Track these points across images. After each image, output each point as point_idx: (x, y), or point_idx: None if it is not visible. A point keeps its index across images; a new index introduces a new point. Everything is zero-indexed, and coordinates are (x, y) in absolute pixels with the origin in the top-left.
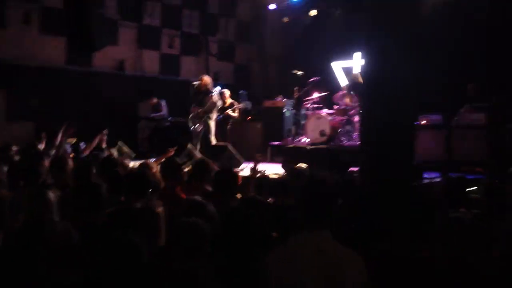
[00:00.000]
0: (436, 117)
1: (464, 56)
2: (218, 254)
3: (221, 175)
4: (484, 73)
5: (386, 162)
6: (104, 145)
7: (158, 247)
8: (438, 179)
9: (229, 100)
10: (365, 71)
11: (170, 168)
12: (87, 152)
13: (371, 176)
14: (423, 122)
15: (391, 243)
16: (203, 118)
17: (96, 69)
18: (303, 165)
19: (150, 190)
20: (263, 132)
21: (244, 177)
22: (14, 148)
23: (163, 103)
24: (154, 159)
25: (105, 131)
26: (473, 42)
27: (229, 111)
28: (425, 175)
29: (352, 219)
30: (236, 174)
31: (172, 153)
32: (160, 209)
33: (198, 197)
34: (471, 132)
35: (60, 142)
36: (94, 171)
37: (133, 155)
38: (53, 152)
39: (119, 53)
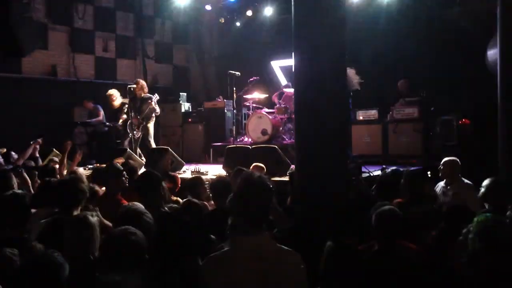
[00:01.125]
0: (372, 112)
1: (396, 52)
2: (152, 262)
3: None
4: (416, 69)
5: (320, 159)
6: (36, 154)
7: (91, 257)
8: (376, 173)
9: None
10: (295, 70)
11: (111, 174)
12: (20, 162)
13: (307, 173)
14: (360, 117)
15: (332, 240)
16: (142, 124)
17: (26, 75)
18: (260, 165)
19: (84, 199)
20: (204, 133)
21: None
22: None
23: (100, 107)
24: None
25: (39, 140)
26: (404, 39)
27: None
28: (364, 169)
29: (291, 218)
30: (175, 177)
31: (70, 146)
32: (95, 218)
33: (134, 204)
34: (405, 125)
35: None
36: (16, 182)
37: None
38: None
39: (51, 57)
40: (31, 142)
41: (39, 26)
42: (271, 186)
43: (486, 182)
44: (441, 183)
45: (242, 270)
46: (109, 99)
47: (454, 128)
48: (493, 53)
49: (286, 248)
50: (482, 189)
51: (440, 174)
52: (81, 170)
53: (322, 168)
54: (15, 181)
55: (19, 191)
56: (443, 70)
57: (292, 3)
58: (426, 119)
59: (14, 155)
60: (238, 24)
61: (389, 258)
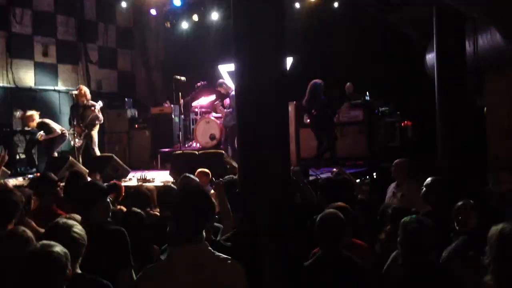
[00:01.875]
0: None
1: (342, 57)
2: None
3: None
4: (360, 73)
5: (262, 163)
6: None
7: None
8: (323, 175)
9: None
10: (235, 75)
11: (45, 185)
12: None
13: (247, 176)
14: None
15: (278, 246)
16: (85, 131)
17: None
18: (205, 170)
19: (18, 211)
20: (152, 139)
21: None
22: None
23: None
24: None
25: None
26: (349, 44)
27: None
28: (311, 172)
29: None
30: (118, 185)
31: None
32: (29, 233)
33: (68, 216)
34: (351, 128)
35: None
36: None
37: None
38: None
39: None
40: None
41: None
42: (208, 194)
43: (427, 181)
44: (393, 185)
45: (179, 281)
46: (28, 120)
47: (396, 130)
48: (431, 57)
49: (226, 257)
50: (424, 189)
51: (392, 175)
52: (10, 181)
53: (264, 173)
54: None
55: None
56: (386, 74)
57: (232, 15)
58: (371, 121)
59: None
60: (184, 27)
61: (332, 264)
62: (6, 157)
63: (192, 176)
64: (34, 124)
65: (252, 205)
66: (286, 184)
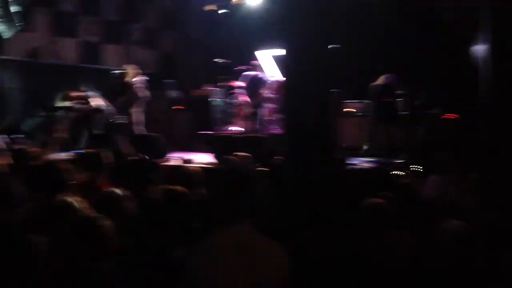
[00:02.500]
0: (359, 105)
1: (382, 46)
2: (133, 249)
3: (136, 165)
4: (403, 61)
5: (308, 150)
6: None
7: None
8: (364, 165)
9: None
10: (285, 61)
11: (92, 160)
12: None
13: (294, 164)
14: (348, 109)
15: (317, 233)
16: (129, 110)
17: (8, 57)
18: (245, 154)
19: (67, 184)
20: (191, 121)
21: (173, 167)
22: None
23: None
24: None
25: None
26: (389, 33)
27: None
28: (352, 161)
29: (276, 210)
30: (158, 164)
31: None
32: (78, 204)
33: (114, 190)
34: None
35: None
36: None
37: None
38: None
39: (33, 40)
40: None
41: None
42: (255, 174)
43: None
44: (433, 177)
45: (225, 261)
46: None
47: (438, 122)
48: (479, 48)
49: (269, 239)
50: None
51: (431, 168)
52: (62, 155)
53: (308, 160)
54: None
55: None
56: (427, 65)
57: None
58: (411, 113)
59: None
60: (227, 10)
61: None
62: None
63: (233, 158)
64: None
65: (293, 191)
66: (330, 171)
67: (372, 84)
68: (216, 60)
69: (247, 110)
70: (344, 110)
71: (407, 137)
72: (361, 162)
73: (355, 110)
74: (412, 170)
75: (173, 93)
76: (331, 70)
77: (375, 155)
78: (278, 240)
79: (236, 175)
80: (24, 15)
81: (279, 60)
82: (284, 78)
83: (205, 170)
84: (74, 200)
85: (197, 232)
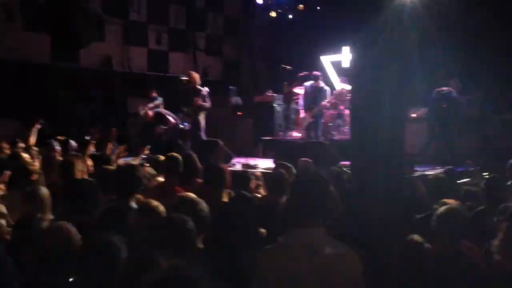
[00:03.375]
0: (423, 110)
1: (449, 50)
2: (209, 252)
3: (210, 171)
4: (474, 65)
5: (376, 156)
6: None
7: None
8: (429, 172)
9: None
10: (354, 65)
11: (170, 164)
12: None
13: (362, 170)
14: (413, 115)
15: (385, 237)
16: (193, 116)
17: (83, 66)
18: (308, 160)
19: (142, 187)
20: (254, 127)
21: (236, 172)
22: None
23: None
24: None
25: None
26: (459, 38)
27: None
28: (416, 168)
29: (345, 214)
30: (224, 169)
31: (147, 151)
32: (161, 207)
33: (190, 194)
34: (462, 125)
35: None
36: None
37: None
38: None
39: (106, 49)
40: (32, 127)
41: (96, 19)
42: (327, 181)
43: None
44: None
45: (296, 264)
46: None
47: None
48: None
49: (342, 244)
50: None
51: (506, 176)
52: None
53: (377, 166)
54: (79, 168)
55: (88, 178)
56: (500, 69)
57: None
58: (482, 118)
59: (72, 143)
60: (290, 17)
61: (452, 260)
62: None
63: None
64: (150, 115)
65: (365, 198)
66: (399, 177)
67: (436, 90)
68: (283, 66)
69: (308, 117)
70: (411, 116)
71: (477, 143)
72: (427, 169)
73: (416, 116)
74: (484, 177)
75: (236, 99)
76: (404, 75)
77: (440, 162)
78: (351, 245)
79: (312, 179)
80: (98, 26)
81: (341, 66)
82: (350, 84)
83: (271, 175)
84: (153, 203)
85: (266, 235)
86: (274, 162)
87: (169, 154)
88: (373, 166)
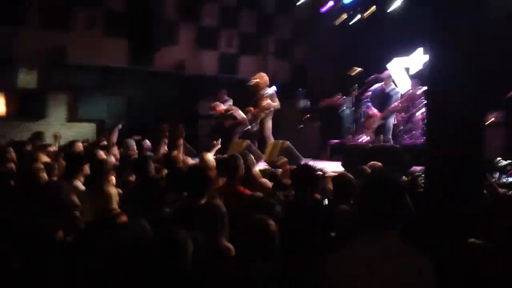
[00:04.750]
0: (495, 114)
1: None
2: (279, 255)
3: (302, 172)
4: None
5: (456, 162)
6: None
7: (222, 245)
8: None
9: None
10: (431, 67)
11: (232, 165)
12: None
13: (440, 176)
14: (493, 119)
15: (462, 244)
16: (260, 117)
17: (158, 69)
18: (378, 164)
19: (212, 186)
20: (321, 130)
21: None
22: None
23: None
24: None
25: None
26: None
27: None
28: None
29: (420, 220)
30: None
31: (218, 146)
32: (223, 207)
33: (261, 195)
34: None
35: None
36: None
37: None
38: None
39: (179, 53)
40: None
41: (170, 24)
42: (400, 184)
43: None
44: None
45: (368, 270)
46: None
47: None
48: None
49: (416, 251)
50: None
51: None
52: (210, 157)
53: (455, 171)
54: (152, 166)
55: (158, 176)
56: None
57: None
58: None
59: (147, 142)
60: (359, 20)
61: None
62: (218, 145)
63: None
64: (220, 109)
65: (438, 205)
66: (478, 184)
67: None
68: (354, 68)
69: (376, 121)
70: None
71: None
72: (505, 177)
73: (494, 119)
74: None
75: (304, 103)
76: (482, 79)
77: None
78: (425, 252)
79: (388, 183)
80: (171, 30)
81: (414, 68)
82: (423, 86)
83: (339, 179)
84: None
85: (338, 239)
86: (343, 165)
87: (231, 154)
88: (450, 171)
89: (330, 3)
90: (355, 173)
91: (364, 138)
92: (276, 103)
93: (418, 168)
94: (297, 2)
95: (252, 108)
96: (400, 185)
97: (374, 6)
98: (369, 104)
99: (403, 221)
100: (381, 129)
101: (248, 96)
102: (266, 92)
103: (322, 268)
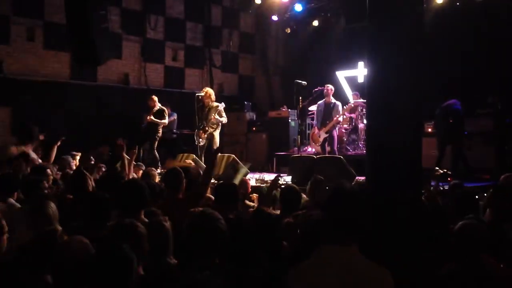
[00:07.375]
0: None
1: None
2: (229, 268)
3: (222, 188)
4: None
5: (393, 171)
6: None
7: (165, 259)
8: (444, 187)
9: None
10: (369, 80)
11: (173, 177)
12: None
13: (378, 185)
14: (429, 129)
15: (409, 255)
16: (208, 131)
17: (101, 83)
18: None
19: (148, 201)
20: (268, 142)
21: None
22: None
23: (172, 114)
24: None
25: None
26: (472, 47)
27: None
28: (432, 183)
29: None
30: (235, 186)
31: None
32: (168, 222)
33: (208, 209)
34: (476, 138)
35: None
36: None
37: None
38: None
39: (123, 66)
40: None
41: (114, 36)
42: (363, 198)
43: None
44: None
45: (327, 281)
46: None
47: None
48: None
49: (376, 264)
50: None
51: None
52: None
53: (394, 180)
54: (90, 182)
55: (100, 193)
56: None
57: (367, 7)
58: (501, 132)
59: (90, 157)
60: (304, 33)
61: (472, 276)
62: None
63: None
64: (154, 104)
65: (379, 212)
66: (416, 192)
67: (442, 105)
68: (297, 81)
69: (321, 135)
70: (428, 130)
71: (496, 157)
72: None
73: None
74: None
75: (251, 115)
76: (420, 87)
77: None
78: (381, 263)
79: (351, 195)
80: (114, 43)
81: (351, 80)
82: (365, 98)
83: (287, 190)
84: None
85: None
86: (292, 177)
87: (171, 167)
88: (389, 181)
89: (275, 17)
90: (314, 184)
91: (311, 149)
92: (223, 118)
93: (361, 178)
94: (243, 15)
95: (201, 132)
96: (362, 197)
97: (316, 21)
98: (314, 122)
99: (362, 233)
100: (326, 141)
101: (194, 110)
102: (213, 106)
103: (283, 280)
